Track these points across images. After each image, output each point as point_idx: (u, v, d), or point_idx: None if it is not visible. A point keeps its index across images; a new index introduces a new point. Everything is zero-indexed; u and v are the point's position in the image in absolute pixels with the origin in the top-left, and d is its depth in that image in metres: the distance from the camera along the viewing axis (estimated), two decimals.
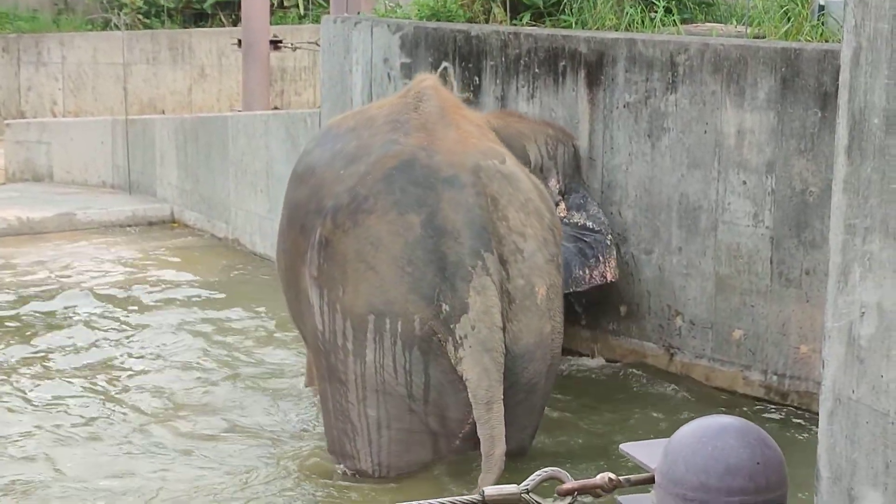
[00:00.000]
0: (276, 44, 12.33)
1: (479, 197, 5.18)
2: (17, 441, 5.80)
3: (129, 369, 6.85)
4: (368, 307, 5.04)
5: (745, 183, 6.14)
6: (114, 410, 6.20)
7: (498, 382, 4.98)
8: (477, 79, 7.52)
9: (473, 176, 5.24)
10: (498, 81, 7.37)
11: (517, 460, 5.29)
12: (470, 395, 4.94)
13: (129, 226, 11.14)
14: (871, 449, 2.50)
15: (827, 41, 6.44)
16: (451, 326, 4.98)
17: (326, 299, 5.19)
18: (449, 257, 5.03)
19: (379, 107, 5.85)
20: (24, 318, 7.91)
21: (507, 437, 5.00)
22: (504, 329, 5.05)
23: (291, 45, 12.90)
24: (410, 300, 5.00)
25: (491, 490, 2.42)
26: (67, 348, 7.22)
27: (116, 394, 6.44)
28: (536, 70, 7.15)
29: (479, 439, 4.96)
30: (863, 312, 2.54)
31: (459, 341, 4.96)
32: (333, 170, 5.49)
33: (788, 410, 6.01)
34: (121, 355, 7.11)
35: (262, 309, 8.07)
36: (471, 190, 5.19)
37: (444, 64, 7.71)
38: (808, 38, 6.59)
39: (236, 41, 12.41)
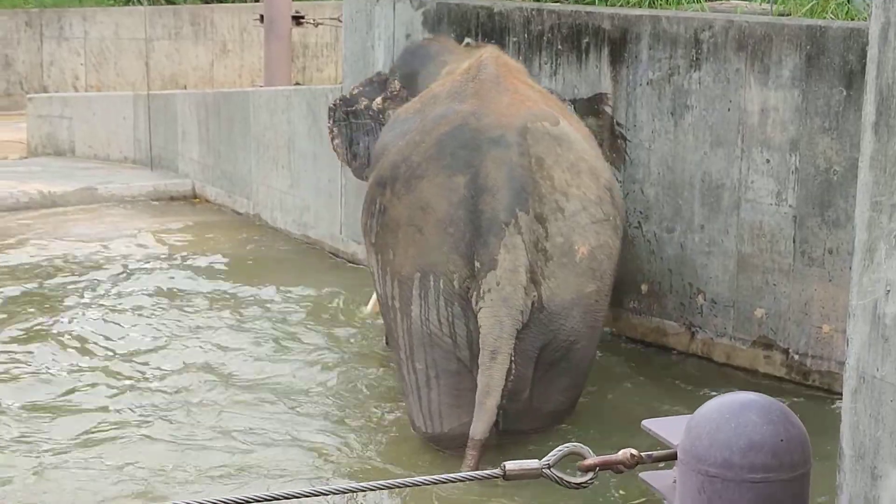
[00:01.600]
0: (298, 19, 12.31)
1: (522, 157, 5.30)
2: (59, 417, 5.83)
3: (162, 347, 6.87)
4: (415, 267, 5.22)
5: (768, 161, 6.11)
6: (162, 390, 6.21)
7: (509, 336, 5.06)
8: None
9: (520, 136, 5.36)
10: (520, 58, 7.33)
11: (539, 436, 5.30)
12: (480, 342, 5.03)
13: (151, 201, 11.14)
14: (894, 427, 2.48)
15: (853, 19, 6.40)
16: (479, 282, 5.09)
17: (380, 264, 5.40)
18: (485, 214, 5.17)
19: (442, 84, 5.97)
20: (47, 292, 7.93)
21: (545, 397, 5.09)
22: (540, 286, 5.15)
23: (314, 20, 12.87)
24: (451, 259, 5.16)
25: (512, 465, 2.41)
26: (87, 322, 7.23)
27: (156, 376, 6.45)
28: (559, 47, 7.12)
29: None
30: (888, 290, 2.52)
31: (482, 295, 5.06)
32: (398, 146, 5.62)
33: (810, 389, 5.99)
34: (149, 329, 7.13)
35: (285, 283, 8.08)
36: (515, 149, 5.31)
37: (467, 40, 7.67)
38: (834, 16, 6.55)
39: (258, 17, 12.40)
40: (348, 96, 7.13)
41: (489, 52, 5.98)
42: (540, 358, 5.21)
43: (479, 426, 4.96)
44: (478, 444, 4.94)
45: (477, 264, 5.11)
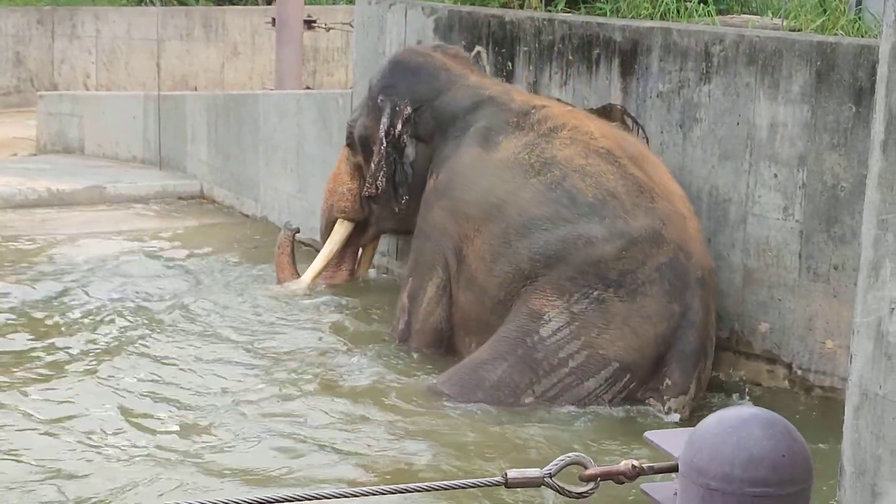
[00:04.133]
0: (309, 23, 12.33)
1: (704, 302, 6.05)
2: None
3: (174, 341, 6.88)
4: (616, 358, 5.92)
5: (776, 176, 6.12)
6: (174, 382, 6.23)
7: None
8: (510, 64, 7.51)
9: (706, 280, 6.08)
10: (531, 67, 7.36)
11: (541, 445, 5.32)
12: None
13: (159, 200, 11.16)
14: None
15: (863, 36, 6.41)
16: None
17: (571, 333, 5.87)
18: (690, 344, 5.90)
19: (552, 144, 6.26)
20: (53, 291, 7.93)
21: None
22: None
23: (325, 25, 12.90)
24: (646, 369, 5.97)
25: (514, 473, 2.43)
26: (96, 321, 7.24)
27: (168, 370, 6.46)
28: (570, 57, 7.14)
29: None
30: (892, 308, 2.53)
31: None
32: (584, 232, 5.97)
33: (813, 405, 5.99)
34: (158, 325, 7.14)
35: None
36: (705, 292, 6.02)
37: (477, 48, 7.70)
38: (845, 32, 6.56)
39: (270, 20, 12.42)
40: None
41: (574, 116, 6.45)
42: None
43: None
44: None
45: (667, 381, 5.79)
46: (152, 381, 6.24)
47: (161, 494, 4.89)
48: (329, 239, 7.66)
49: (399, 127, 6.87)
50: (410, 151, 6.94)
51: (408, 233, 7.14)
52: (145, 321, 7.22)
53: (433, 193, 6.64)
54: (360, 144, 7.26)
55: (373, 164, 6.97)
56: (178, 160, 12.00)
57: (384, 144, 6.87)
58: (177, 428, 5.64)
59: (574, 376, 5.75)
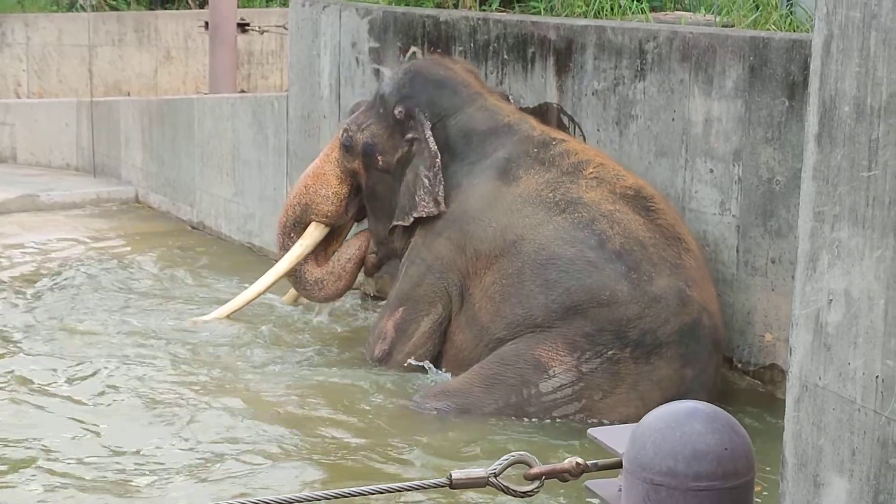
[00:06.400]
0: (243, 27, 12.27)
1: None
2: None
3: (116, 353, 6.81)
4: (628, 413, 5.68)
5: (711, 171, 6.16)
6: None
7: None
8: None
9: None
10: None
11: (485, 445, 5.31)
12: None
13: (93, 207, 11.06)
14: (836, 436, 2.51)
15: (795, 30, 6.47)
16: None
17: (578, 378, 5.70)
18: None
19: (586, 193, 5.96)
20: None
21: None
22: None
23: (259, 28, 12.83)
24: None
25: (458, 474, 2.41)
26: (29, 331, 7.17)
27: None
28: (505, 56, 7.14)
29: None
30: (830, 300, 2.54)
31: None
32: (610, 287, 5.71)
33: (753, 397, 6.03)
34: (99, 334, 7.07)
35: (230, 285, 8.08)
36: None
37: (413, 49, 7.69)
38: (777, 27, 6.62)
39: (203, 24, 12.34)
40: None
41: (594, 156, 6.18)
42: None
43: None
44: None
45: None
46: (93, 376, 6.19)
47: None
48: (299, 241, 7.09)
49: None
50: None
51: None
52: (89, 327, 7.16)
53: (442, 222, 6.28)
54: (363, 152, 6.81)
55: (425, 179, 6.35)
56: (113, 167, 11.90)
57: (438, 158, 6.35)
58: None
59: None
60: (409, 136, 6.54)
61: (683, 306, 5.61)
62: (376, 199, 6.86)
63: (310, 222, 7.10)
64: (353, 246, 7.15)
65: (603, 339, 5.55)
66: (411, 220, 6.40)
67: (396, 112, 6.58)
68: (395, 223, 6.55)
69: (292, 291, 7.45)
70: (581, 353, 5.57)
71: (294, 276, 7.20)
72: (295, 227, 7.16)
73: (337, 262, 7.12)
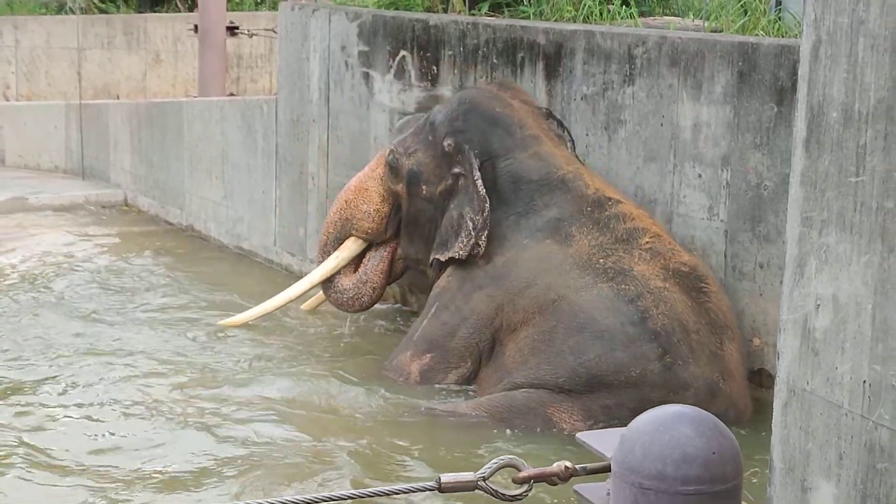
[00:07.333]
0: (232, 30, 12.26)
1: None
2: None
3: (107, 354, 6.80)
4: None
5: (700, 176, 6.17)
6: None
7: None
8: (435, 68, 7.52)
9: None
10: (456, 71, 7.37)
11: (474, 449, 5.32)
12: None
13: (82, 210, 11.05)
14: (824, 440, 2.52)
15: (783, 36, 6.49)
16: None
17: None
18: None
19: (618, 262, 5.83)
20: None
21: None
22: None
23: (248, 31, 12.83)
24: None
25: (447, 477, 2.42)
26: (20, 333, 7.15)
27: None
28: (495, 60, 7.16)
29: None
30: (818, 305, 2.55)
31: None
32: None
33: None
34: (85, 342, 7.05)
35: (220, 290, 8.07)
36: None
37: (402, 52, 7.70)
38: (765, 33, 6.64)
39: (192, 27, 12.33)
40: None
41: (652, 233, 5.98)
42: None
43: None
44: None
45: None
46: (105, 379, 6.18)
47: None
48: (336, 253, 7.03)
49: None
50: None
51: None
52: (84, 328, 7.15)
53: (484, 274, 6.12)
54: (407, 178, 6.68)
55: (469, 222, 6.18)
56: (102, 170, 11.89)
57: (487, 203, 6.14)
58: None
59: None
60: (456, 170, 6.37)
61: (712, 398, 5.43)
62: (415, 225, 6.75)
63: (349, 236, 7.01)
64: (380, 254, 7.03)
65: (620, 414, 5.36)
66: (447, 257, 6.28)
67: (445, 145, 6.41)
68: (434, 257, 6.42)
69: (314, 299, 7.42)
70: (595, 422, 5.46)
71: (326, 286, 7.14)
72: (335, 245, 7.07)
73: (365, 272, 7.02)
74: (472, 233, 6.14)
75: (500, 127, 6.36)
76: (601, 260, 5.80)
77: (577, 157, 6.51)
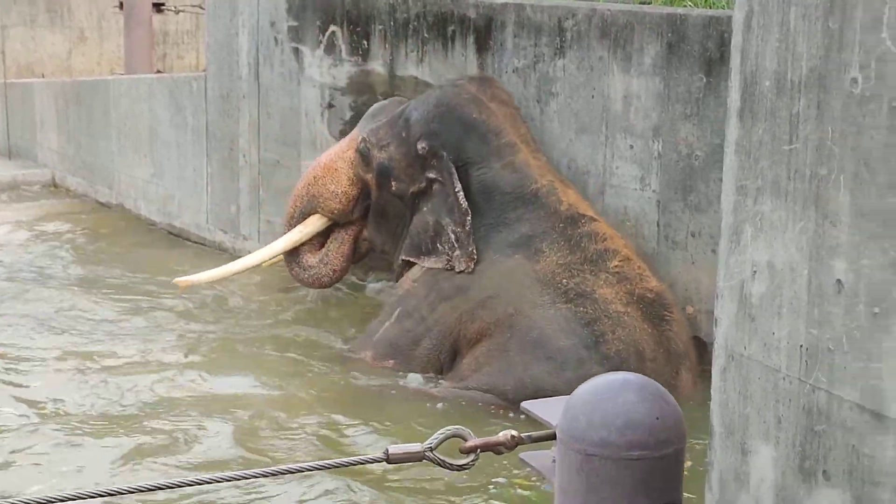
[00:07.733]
0: (158, 6, 12.19)
1: None
2: None
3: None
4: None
5: (631, 147, 6.23)
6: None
7: None
8: (365, 43, 7.51)
9: None
10: (387, 46, 7.37)
11: (421, 420, 5.36)
12: None
13: (9, 191, 10.92)
14: (762, 404, 2.56)
15: (712, 7, 6.55)
16: None
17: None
18: None
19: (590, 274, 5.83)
20: None
21: None
22: None
23: (174, 7, 12.72)
24: None
25: (395, 449, 2.44)
26: None
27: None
28: (425, 35, 7.16)
29: None
30: (754, 271, 2.59)
31: None
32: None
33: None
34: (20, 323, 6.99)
35: (145, 267, 8.04)
36: None
37: (332, 27, 7.67)
38: (693, 4, 6.70)
39: (118, 4, 12.23)
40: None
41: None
42: None
43: None
44: None
45: None
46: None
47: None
48: (299, 227, 6.98)
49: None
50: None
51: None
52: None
53: (450, 286, 6.09)
54: (377, 170, 6.63)
55: (452, 234, 6.13)
56: (28, 149, 11.75)
57: (468, 216, 6.10)
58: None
59: None
60: (432, 175, 6.30)
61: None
62: (383, 216, 6.73)
63: (315, 212, 6.95)
64: (343, 236, 7.00)
65: None
66: (426, 266, 6.23)
67: (420, 147, 6.34)
68: (405, 258, 6.37)
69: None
70: None
71: (290, 259, 7.09)
72: (301, 219, 7.01)
73: (327, 254, 7.00)
74: (462, 246, 6.08)
75: (475, 133, 6.28)
76: (564, 280, 5.77)
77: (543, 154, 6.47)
